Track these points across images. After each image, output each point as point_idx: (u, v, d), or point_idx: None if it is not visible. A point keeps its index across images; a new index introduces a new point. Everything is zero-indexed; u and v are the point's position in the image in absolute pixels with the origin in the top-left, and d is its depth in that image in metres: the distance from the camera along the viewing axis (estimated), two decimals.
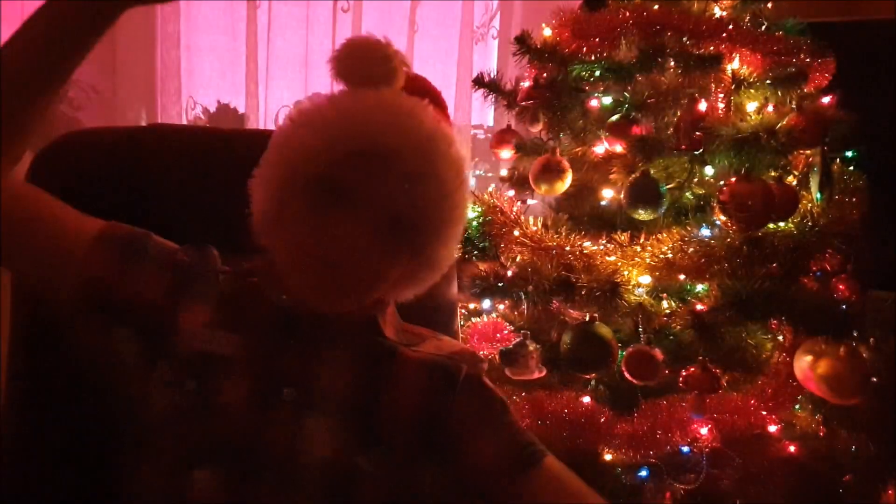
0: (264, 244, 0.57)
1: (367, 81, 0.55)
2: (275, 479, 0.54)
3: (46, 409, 0.68)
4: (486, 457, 0.58)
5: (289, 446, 0.55)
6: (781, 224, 1.04)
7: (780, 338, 1.08)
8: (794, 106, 1.04)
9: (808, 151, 1.08)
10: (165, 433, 0.55)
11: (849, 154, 1.14)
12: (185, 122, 1.48)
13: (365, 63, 0.55)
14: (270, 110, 1.49)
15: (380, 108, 0.54)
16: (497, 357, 1.10)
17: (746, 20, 1.13)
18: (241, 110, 1.49)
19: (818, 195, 1.04)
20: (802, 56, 1.09)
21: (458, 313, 0.86)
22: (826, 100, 1.11)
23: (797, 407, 1.09)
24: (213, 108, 1.51)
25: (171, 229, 0.62)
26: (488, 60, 1.63)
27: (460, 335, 0.86)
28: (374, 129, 0.53)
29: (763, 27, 1.13)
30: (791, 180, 1.10)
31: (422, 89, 0.58)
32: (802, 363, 0.97)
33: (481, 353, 1.14)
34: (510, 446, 0.59)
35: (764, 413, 1.04)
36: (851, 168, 1.13)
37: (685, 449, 1.03)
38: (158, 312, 0.57)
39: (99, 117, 1.47)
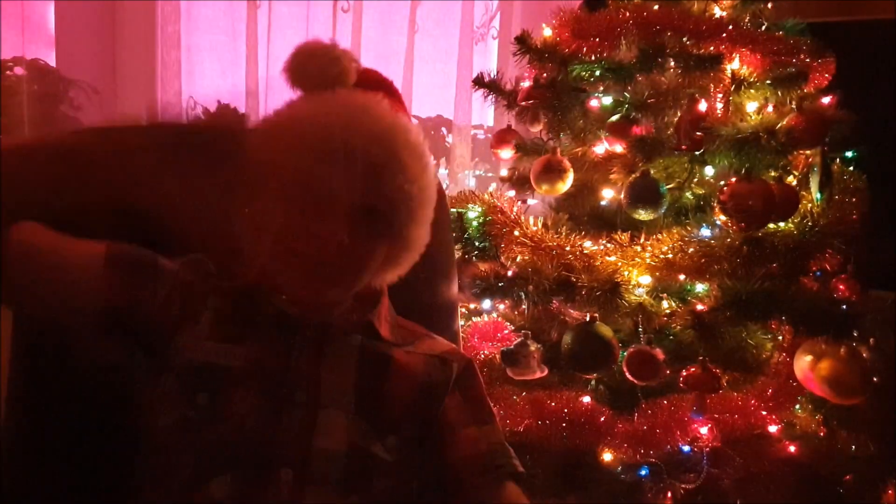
0: (253, 250, 0.59)
1: (321, 84, 0.58)
2: (294, 478, 0.55)
3: (49, 421, 0.68)
4: (463, 456, 0.61)
5: (305, 444, 0.56)
6: (781, 224, 1.04)
7: (780, 338, 1.08)
8: (794, 106, 1.04)
9: (808, 151, 1.08)
10: (179, 446, 0.56)
11: (849, 154, 1.14)
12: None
13: (316, 67, 0.58)
14: (270, 110, 1.48)
15: (337, 109, 0.57)
16: (498, 357, 1.10)
17: (746, 20, 1.13)
18: (242, 111, 1.49)
19: (818, 195, 1.04)
20: (802, 56, 1.09)
21: (458, 313, 0.86)
22: (826, 100, 1.11)
23: (797, 407, 1.09)
24: (213, 109, 1.51)
25: (171, 229, 0.62)
26: (488, 60, 1.64)
27: (460, 335, 0.86)
28: (334, 129, 0.55)
29: (763, 27, 1.13)
30: (791, 180, 1.10)
31: (374, 82, 0.61)
32: (803, 363, 0.97)
33: (482, 353, 1.14)
34: (489, 452, 0.62)
35: (764, 413, 1.04)
36: (851, 168, 1.13)
37: (685, 448, 1.03)
38: (165, 331, 0.58)
39: (99, 117, 1.47)
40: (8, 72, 1.40)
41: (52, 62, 1.45)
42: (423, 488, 0.62)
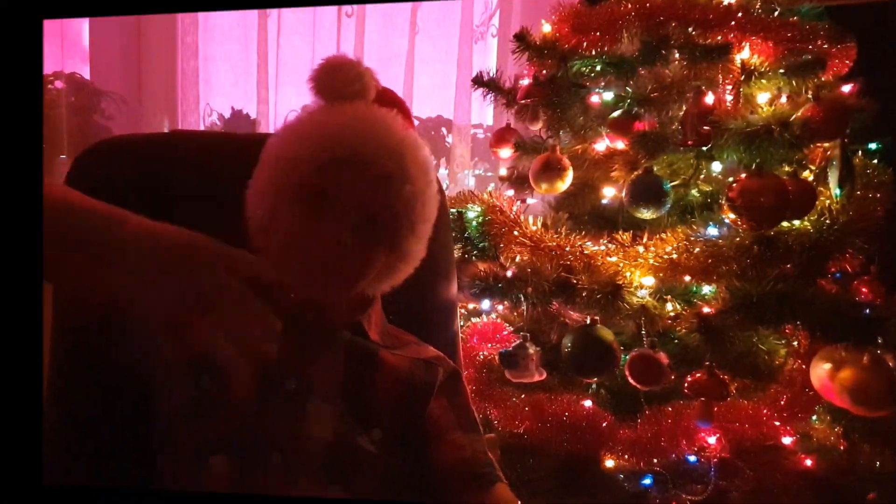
0: (259, 246, 0.62)
1: (343, 96, 0.61)
2: (284, 462, 0.59)
3: (85, 402, 0.71)
4: (448, 461, 0.62)
5: (294, 431, 0.59)
6: (797, 222, 0.98)
7: (795, 343, 1.01)
8: (810, 96, 0.97)
9: (827, 144, 1.01)
10: (184, 426, 0.60)
11: (872, 146, 1.06)
12: (202, 127, 1.54)
13: (341, 82, 0.61)
14: (280, 115, 1.53)
15: (354, 120, 0.60)
16: (497, 359, 1.08)
17: (757, 6, 1.07)
18: (253, 116, 1.54)
19: (837, 191, 0.97)
20: (820, 42, 1.02)
21: (458, 313, 0.86)
22: (846, 88, 1.03)
23: (814, 418, 1.02)
24: (227, 115, 1.57)
25: (191, 225, 0.65)
26: (488, 59, 1.62)
27: (460, 335, 0.85)
28: (350, 139, 0.58)
29: (776, 13, 1.07)
30: (807, 175, 1.03)
31: (390, 100, 0.64)
32: (820, 371, 0.91)
33: (481, 354, 1.13)
34: (473, 460, 0.63)
35: (777, 423, 0.98)
36: (875, 161, 1.05)
37: (692, 458, 0.98)
38: (174, 320, 0.62)
39: (127, 125, 1.56)
40: (49, 85, 1.51)
41: (87, 75, 1.54)
42: (405, 485, 0.63)
